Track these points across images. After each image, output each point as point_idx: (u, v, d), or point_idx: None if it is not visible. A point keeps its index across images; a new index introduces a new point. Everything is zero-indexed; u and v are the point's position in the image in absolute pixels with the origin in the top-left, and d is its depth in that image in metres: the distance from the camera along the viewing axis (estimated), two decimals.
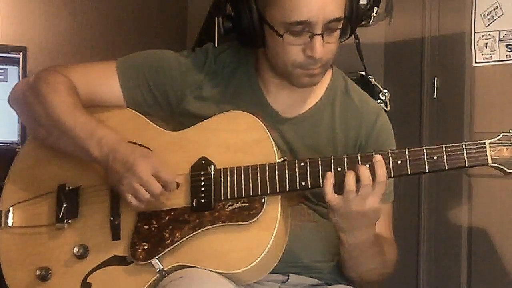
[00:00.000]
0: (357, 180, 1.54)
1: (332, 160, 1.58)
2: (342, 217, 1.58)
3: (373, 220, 1.61)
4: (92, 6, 3.41)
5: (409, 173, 1.57)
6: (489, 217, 2.67)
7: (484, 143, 1.54)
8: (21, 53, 2.98)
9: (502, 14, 2.67)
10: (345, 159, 1.58)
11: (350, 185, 1.54)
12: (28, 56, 3.00)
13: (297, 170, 1.59)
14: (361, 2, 2.69)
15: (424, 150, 1.56)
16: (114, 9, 3.49)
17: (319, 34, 1.61)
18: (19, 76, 2.95)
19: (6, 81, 2.92)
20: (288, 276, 1.74)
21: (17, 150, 1.99)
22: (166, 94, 1.79)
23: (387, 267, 1.75)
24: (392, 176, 1.56)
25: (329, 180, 1.56)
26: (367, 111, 1.80)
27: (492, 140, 1.55)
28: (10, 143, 2.91)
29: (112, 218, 1.69)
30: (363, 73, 2.66)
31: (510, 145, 1.54)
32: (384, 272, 1.76)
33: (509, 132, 1.55)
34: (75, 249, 1.69)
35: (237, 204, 1.61)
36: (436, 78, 2.83)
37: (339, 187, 1.56)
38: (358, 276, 1.75)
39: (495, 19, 2.68)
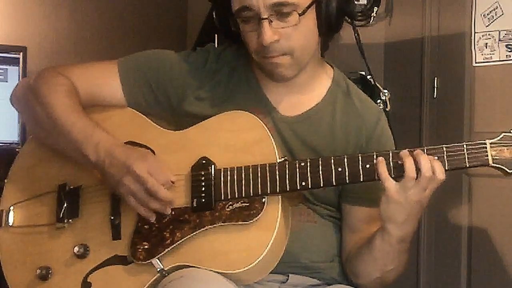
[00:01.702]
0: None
1: (333, 160, 1.58)
2: (401, 206, 1.55)
3: (422, 209, 1.59)
4: (92, 6, 3.41)
5: None
6: (489, 217, 2.67)
7: (485, 143, 1.54)
8: (21, 53, 2.98)
9: (502, 14, 2.67)
10: (345, 159, 1.58)
11: (411, 171, 1.52)
12: (28, 56, 3.00)
13: (297, 170, 1.59)
14: (361, 2, 2.71)
15: (425, 150, 1.55)
16: (114, 9, 3.49)
17: (264, 19, 1.61)
18: (19, 76, 2.95)
19: (6, 81, 2.93)
20: (288, 276, 1.74)
21: (17, 150, 2.00)
22: (167, 94, 1.79)
23: (404, 266, 1.73)
24: (392, 176, 1.56)
25: (383, 166, 1.54)
26: (368, 114, 1.80)
27: (493, 140, 1.54)
28: (10, 143, 2.91)
29: (112, 218, 1.69)
30: (363, 73, 2.66)
31: (510, 145, 1.53)
32: (399, 273, 1.74)
33: (510, 132, 1.54)
34: (76, 249, 1.69)
35: (238, 204, 1.61)
36: (436, 78, 2.83)
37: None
38: (381, 274, 1.72)
39: (495, 19, 2.68)
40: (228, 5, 1.68)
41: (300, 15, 1.63)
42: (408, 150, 1.55)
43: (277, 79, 1.73)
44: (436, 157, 1.54)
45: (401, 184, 1.54)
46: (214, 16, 1.75)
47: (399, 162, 1.55)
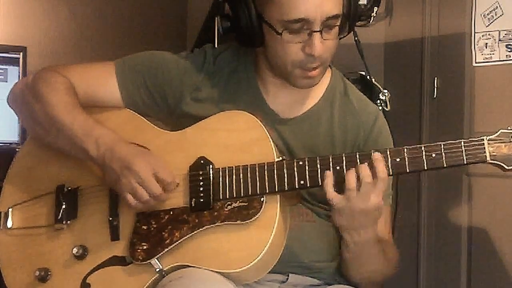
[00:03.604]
0: (358, 178, 1.54)
1: (331, 159, 1.58)
2: (347, 216, 1.57)
3: (376, 217, 1.60)
4: (92, 6, 3.40)
5: (408, 171, 1.57)
6: (489, 217, 2.67)
7: (483, 140, 1.54)
8: (21, 53, 2.98)
9: (502, 14, 2.67)
10: (344, 158, 1.58)
11: (351, 183, 1.54)
12: (28, 56, 3.00)
13: (295, 169, 1.59)
14: (361, 2, 2.71)
15: (423, 148, 1.56)
16: (114, 9, 3.49)
17: (317, 31, 1.61)
18: (19, 76, 2.95)
19: (6, 81, 2.92)
20: (288, 276, 1.74)
21: (17, 150, 1.99)
22: (164, 95, 1.79)
23: (389, 267, 1.75)
24: (391, 174, 1.56)
25: (329, 179, 1.56)
26: (365, 113, 1.80)
27: (490, 137, 1.54)
28: (10, 143, 2.91)
29: (111, 219, 1.69)
30: (363, 73, 2.66)
31: (508, 142, 1.54)
32: (386, 273, 1.76)
33: (508, 129, 1.54)
34: (74, 250, 1.69)
35: (236, 204, 1.61)
36: (436, 78, 2.83)
37: (339, 186, 1.55)
38: (362, 278, 1.75)
39: (495, 19, 2.68)
40: (262, 11, 1.64)
41: (339, 29, 1.65)
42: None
43: (300, 87, 1.72)
44: (434, 154, 1.55)
45: (344, 195, 1.54)
46: (234, 18, 1.69)
47: (397, 159, 1.55)
